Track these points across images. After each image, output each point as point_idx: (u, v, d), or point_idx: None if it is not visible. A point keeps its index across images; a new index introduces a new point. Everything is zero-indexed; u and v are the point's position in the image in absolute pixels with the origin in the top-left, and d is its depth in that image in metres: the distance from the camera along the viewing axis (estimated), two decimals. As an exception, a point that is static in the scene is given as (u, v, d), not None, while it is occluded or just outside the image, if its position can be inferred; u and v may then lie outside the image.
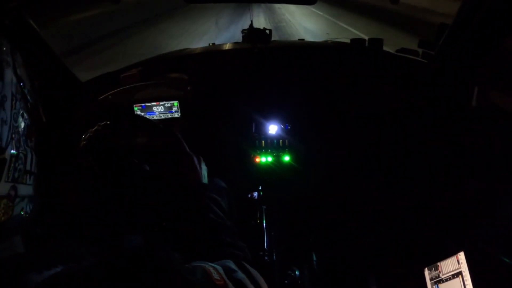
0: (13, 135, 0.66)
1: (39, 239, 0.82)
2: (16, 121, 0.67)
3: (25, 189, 0.68)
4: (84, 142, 1.40)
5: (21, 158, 0.67)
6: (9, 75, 0.68)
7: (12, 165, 0.64)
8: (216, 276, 0.67)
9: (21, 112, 0.69)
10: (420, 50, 1.83)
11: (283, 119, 1.92)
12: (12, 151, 0.65)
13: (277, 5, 16.11)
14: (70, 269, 0.52)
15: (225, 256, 0.82)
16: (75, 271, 0.51)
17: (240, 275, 0.74)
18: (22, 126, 0.69)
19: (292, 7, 16.65)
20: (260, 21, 14.38)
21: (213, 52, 2.14)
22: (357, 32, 10.93)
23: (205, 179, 1.27)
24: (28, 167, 0.70)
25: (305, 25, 13.68)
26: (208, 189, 1.17)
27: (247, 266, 0.80)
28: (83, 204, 1.28)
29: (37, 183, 0.73)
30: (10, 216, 0.63)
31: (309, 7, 15.40)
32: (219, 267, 0.71)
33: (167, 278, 0.56)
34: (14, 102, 0.68)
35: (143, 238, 0.85)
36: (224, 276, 0.69)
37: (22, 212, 0.67)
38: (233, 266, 0.76)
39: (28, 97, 0.74)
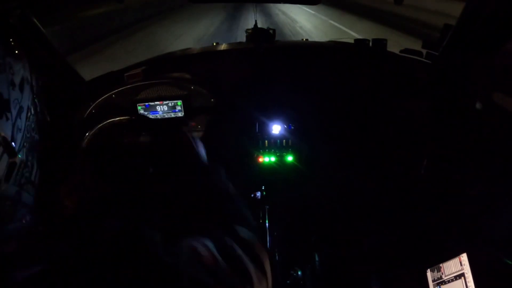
0: (25, 144, 0.68)
1: (40, 237, 0.82)
2: (28, 132, 0.71)
3: (27, 198, 0.70)
4: (88, 140, 1.41)
5: (28, 167, 0.70)
6: (27, 89, 0.70)
7: (20, 170, 0.67)
8: (205, 253, 0.64)
9: (33, 126, 0.72)
10: (424, 51, 1.82)
11: (287, 119, 1.92)
12: (22, 157, 0.67)
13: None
14: (54, 265, 0.52)
15: (222, 224, 0.79)
16: (56, 268, 0.52)
17: (238, 250, 0.71)
18: (33, 139, 0.73)
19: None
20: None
21: (217, 52, 2.14)
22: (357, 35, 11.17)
23: (203, 157, 1.27)
24: (32, 178, 0.72)
25: (283, 9, 19.97)
26: (207, 165, 1.16)
27: (242, 234, 0.76)
28: (84, 204, 1.29)
29: (39, 194, 0.75)
30: (10, 220, 0.64)
31: (306, 7, 19.20)
32: (210, 244, 0.68)
33: (145, 264, 0.55)
34: (29, 115, 0.70)
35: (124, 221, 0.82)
36: (215, 252, 0.66)
37: (22, 220, 0.68)
38: (228, 241, 0.73)
39: (39, 107, 0.77)
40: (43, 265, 0.52)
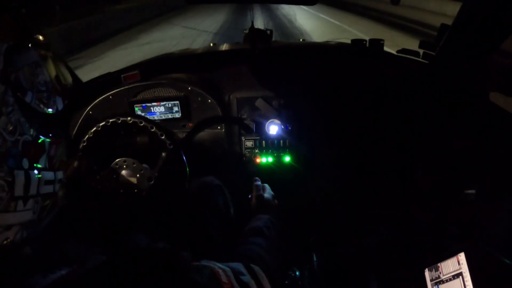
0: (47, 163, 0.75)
1: (45, 240, 0.82)
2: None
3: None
4: (84, 143, 1.41)
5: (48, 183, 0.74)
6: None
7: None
8: (224, 279, 0.66)
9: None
10: (421, 51, 1.82)
11: (284, 120, 1.92)
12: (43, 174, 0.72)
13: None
14: (75, 271, 0.52)
15: (239, 255, 0.81)
16: (79, 273, 0.52)
17: (247, 278, 0.73)
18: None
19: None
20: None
21: (214, 53, 2.14)
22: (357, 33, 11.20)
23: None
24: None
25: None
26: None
27: (256, 269, 0.78)
28: (85, 205, 1.28)
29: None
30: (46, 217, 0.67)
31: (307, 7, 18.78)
32: (228, 269, 0.70)
33: (172, 278, 0.56)
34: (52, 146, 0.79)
35: (146, 237, 0.86)
36: (232, 278, 0.68)
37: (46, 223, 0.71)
38: (242, 269, 0.75)
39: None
40: (51, 270, 0.52)
